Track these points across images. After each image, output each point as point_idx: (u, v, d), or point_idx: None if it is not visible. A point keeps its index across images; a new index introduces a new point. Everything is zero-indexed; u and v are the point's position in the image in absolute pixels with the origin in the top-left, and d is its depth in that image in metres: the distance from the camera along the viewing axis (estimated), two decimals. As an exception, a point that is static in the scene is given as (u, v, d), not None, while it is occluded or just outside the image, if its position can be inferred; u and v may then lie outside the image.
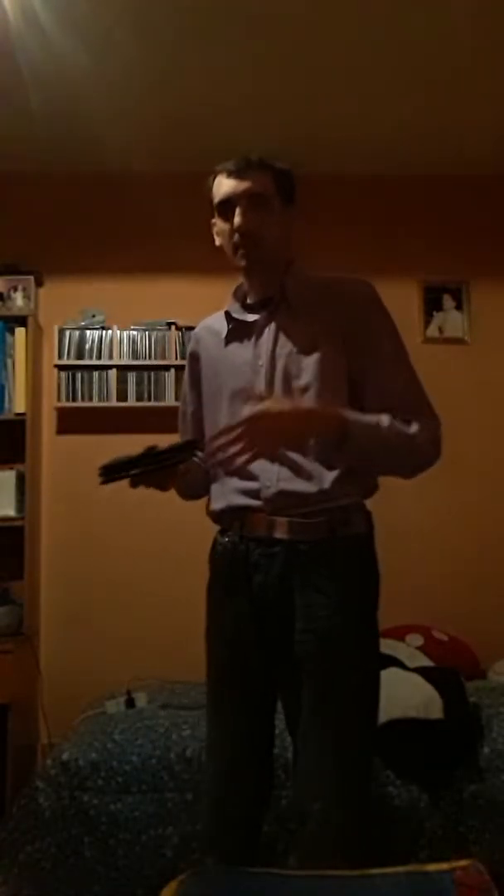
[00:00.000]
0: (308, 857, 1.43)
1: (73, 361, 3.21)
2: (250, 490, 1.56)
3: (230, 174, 1.56)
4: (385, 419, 1.49)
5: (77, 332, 3.23)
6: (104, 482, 1.44)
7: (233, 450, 1.38)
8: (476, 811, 2.10)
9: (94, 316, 3.27)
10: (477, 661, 2.94)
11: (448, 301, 3.44)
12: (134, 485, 1.49)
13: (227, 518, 1.62)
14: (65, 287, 3.35)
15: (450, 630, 2.97)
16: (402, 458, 1.54)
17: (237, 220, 1.55)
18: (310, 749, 1.49)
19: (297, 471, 1.53)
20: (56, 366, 3.22)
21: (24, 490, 3.01)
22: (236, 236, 1.56)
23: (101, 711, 2.57)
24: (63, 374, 3.22)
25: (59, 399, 3.22)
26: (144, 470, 1.45)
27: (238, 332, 1.66)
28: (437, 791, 2.11)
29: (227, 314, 1.68)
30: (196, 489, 1.74)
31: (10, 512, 2.99)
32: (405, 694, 2.23)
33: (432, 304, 3.44)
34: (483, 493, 3.35)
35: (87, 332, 3.23)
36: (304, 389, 1.54)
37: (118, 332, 3.23)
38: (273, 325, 1.61)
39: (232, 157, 1.57)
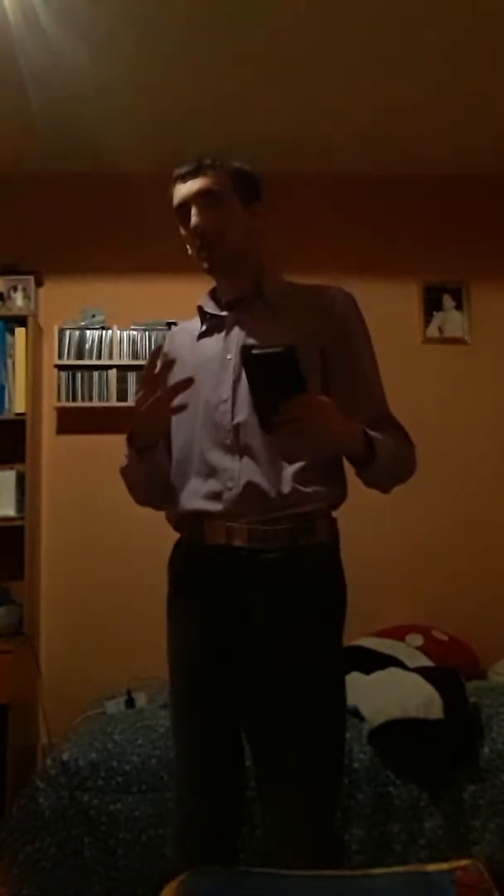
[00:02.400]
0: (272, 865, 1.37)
1: (72, 361, 3.22)
2: (211, 492, 1.49)
3: (183, 178, 1.53)
4: (390, 439, 1.45)
5: (77, 332, 3.23)
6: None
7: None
8: (476, 811, 2.10)
9: (94, 316, 3.27)
10: (477, 661, 2.94)
11: (448, 301, 3.44)
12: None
13: (185, 524, 1.57)
14: (65, 287, 3.35)
15: (450, 630, 2.97)
16: (398, 477, 1.52)
17: (193, 220, 1.50)
18: (276, 774, 1.44)
19: (258, 466, 1.45)
20: (56, 366, 3.22)
21: (24, 490, 3.01)
22: (197, 239, 1.52)
23: (101, 711, 2.57)
24: (63, 374, 3.22)
25: (58, 399, 3.22)
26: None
27: (211, 328, 1.61)
28: (437, 791, 2.11)
29: (200, 309, 1.64)
30: (154, 488, 1.63)
31: (10, 512, 2.99)
32: (405, 694, 2.23)
33: (432, 304, 3.44)
34: (484, 492, 3.34)
35: (87, 332, 3.23)
36: None
37: (118, 332, 3.23)
38: (246, 321, 1.56)
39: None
